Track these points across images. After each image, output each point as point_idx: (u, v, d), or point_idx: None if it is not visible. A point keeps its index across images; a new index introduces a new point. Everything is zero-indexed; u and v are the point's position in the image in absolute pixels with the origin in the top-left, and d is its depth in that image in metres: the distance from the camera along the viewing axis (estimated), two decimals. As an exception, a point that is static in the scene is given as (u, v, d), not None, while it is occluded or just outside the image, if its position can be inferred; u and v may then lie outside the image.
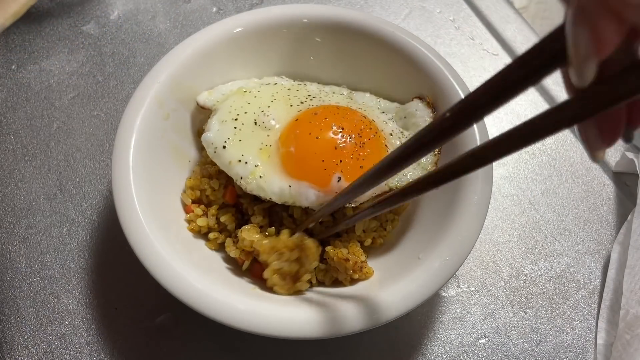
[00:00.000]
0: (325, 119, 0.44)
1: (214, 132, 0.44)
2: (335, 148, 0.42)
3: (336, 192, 0.42)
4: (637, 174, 0.53)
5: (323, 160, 0.42)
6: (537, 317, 0.49)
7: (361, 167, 0.43)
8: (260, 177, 0.42)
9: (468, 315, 0.49)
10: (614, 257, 0.51)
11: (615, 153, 0.57)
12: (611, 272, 0.50)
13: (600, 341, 0.47)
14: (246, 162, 0.42)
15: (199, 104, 0.47)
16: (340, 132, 0.43)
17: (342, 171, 0.42)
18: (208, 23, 0.63)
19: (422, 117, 0.48)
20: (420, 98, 0.48)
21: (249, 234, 0.42)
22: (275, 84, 0.49)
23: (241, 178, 0.42)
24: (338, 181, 0.42)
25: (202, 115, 0.49)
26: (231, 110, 0.45)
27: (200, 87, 0.48)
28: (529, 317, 0.49)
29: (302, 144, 0.43)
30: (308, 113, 0.45)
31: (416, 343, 0.47)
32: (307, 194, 0.42)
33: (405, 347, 0.47)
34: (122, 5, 0.64)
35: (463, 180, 0.42)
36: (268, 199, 0.42)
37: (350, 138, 0.43)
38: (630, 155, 0.55)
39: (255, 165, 0.42)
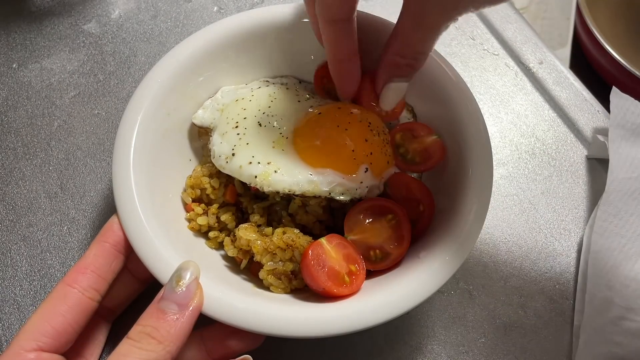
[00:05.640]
0: (351, 113, 0.44)
1: (218, 146, 0.45)
2: (366, 140, 0.43)
3: (361, 182, 0.42)
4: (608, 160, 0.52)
5: (353, 150, 0.42)
6: (537, 317, 0.49)
7: (387, 162, 0.44)
8: (276, 171, 0.42)
9: (468, 315, 0.49)
10: (585, 241, 0.51)
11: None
12: (583, 256, 0.50)
13: (576, 323, 0.48)
14: (258, 162, 0.43)
15: (196, 124, 0.47)
16: (369, 126, 0.44)
17: (371, 163, 0.43)
18: (209, 22, 0.63)
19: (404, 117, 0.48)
20: None
21: (246, 233, 0.42)
22: (267, 85, 0.49)
23: (255, 177, 0.42)
24: (365, 172, 0.42)
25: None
26: (229, 121, 0.45)
27: (201, 86, 0.48)
28: (529, 317, 0.49)
29: (331, 135, 0.43)
30: (332, 107, 0.45)
31: (416, 343, 0.47)
32: (329, 180, 0.42)
33: (405, 347, 0.47)
34: (123, 4, 0.64)
35: (463, 180, 0.42)
36: (287, 191, 0.42)
37: (378, 134, 0.44)
38: (601, 138, 0.55)
39: (268, 163, 0.42)
